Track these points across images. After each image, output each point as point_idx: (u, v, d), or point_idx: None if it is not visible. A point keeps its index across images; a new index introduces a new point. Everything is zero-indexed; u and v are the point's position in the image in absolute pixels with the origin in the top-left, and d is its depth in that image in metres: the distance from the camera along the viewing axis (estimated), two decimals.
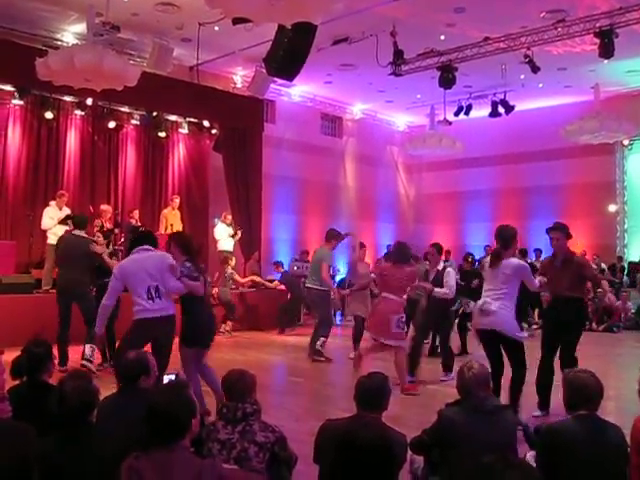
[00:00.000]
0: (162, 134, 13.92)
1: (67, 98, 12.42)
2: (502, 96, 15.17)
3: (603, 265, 15.46)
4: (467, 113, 15.56)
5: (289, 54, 10.54)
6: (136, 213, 12.08)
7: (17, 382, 3.70)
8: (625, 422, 3.36)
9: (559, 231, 6.22)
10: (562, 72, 14.25)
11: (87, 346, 7.49)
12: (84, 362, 7.25)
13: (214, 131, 14.57)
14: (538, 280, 6.46)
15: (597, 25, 11.22)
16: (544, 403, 6.08)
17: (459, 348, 9.43)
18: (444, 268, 7.90)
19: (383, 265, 7.38)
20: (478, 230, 17.36)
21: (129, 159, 13.82)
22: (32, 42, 11.45)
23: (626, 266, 16.04)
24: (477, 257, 12.51)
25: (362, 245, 9.77)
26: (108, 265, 7.50)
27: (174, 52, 12.24)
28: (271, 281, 13.45)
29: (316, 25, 9.29)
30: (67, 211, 10.52)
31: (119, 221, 11.82)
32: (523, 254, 13.37)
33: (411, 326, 8.16)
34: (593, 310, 13.01)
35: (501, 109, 15.16)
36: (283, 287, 12.91)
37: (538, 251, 14.64)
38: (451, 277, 7.82)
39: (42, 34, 11.91)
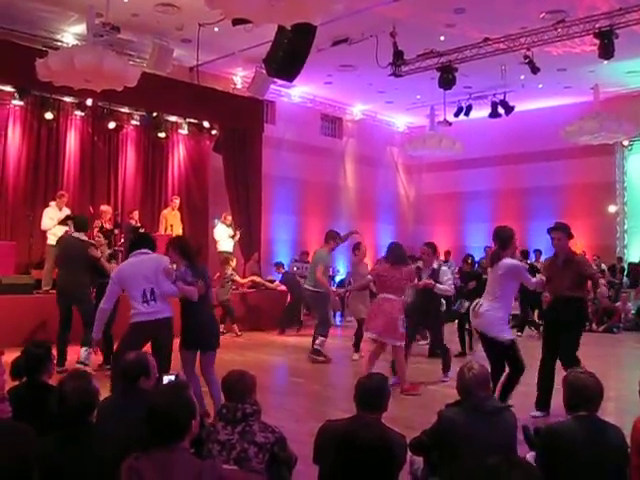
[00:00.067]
0: (162, 135, 13.91)
1: (67, 99, 12.42)
2: (502, 97, 15.17)
3: (603, 266, 15.46)
4: (467, 114, 15.56)
5: (289, 55, 10.54)
6: (136, 214, 12.08)
7: (17, 383, 3.70)
8: (625, 423, 3.36)
9: (560, 231, 6.23)
10: (562, 73, 14.25)
11: (83, 349, 7.49)
12: (78, 365, 7.23)
13: (214, 132, 14.57)
14: (538, 279, 6.48)
15: (597, 26, 11.23)
16: (544, 404, 6.07)
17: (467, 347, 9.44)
18: (439, 267, 7.94)
19: (381, 266, 7.36)
20: (478, 231, 17.35)
21: (129, 160, 13.82)
22: (32, 43, 11.45)
23: (626, 267, 16.03)
24: (477, 258, 12.49)
25: (360, 245, 9.76)
26: (106, 269, 7.50)
27: (174, 53, 12.25)
28: (271, 281, 13.46)
29: (316, 26, 9.29)
30: (67, 212, 10.52)
31: (119, 222, 11.82)
32: (524, 255, 13.38)
33: None
34: (593, 311, 13.00)
35: (501, 110, 15.16)
36: (284, 288, 12.91)
37: (538, 252, 14.63)
38: (448, 276, 7.91)
39: (42, 35, 11.92)
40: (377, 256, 16.42)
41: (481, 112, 15.68)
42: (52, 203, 10.77)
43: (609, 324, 13.34)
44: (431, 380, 7.72)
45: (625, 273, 15.83)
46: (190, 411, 2.76)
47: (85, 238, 8.05)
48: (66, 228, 9.23)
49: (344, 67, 14.34)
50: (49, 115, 12.18)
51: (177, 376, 3.99)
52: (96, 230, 9.96)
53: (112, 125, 13.17)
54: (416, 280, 7.49)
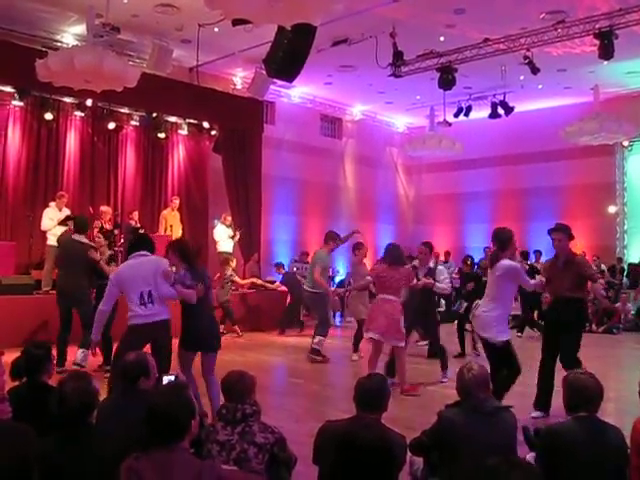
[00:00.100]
0: (162, 135, 13.91)
1: (67, 99, 12.42)
2: (502, 97, 15.18)
3: (603, 266, 15.45)
4: (467, 114, 15.56)
5: (289, 55, 10.54)
6: (136, 214, 12.09)
7: (17, 383, 3.70)
8: (625, 424, 3.36)
9: (561, 232, 6.22)
10: (562, 73, 14.25)
11: (80, 351, 7.46)
12: (74, 367, 7.19)
13: (214, 132, 14.56)
14: (538, 280, 6.48)
15: (597, 26, 11.23)
16: (544, 404, 6.07)
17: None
18: (435, 266, 8.04)
19: (379, 267, 7.36)
20: (477, 231, 17.36)
21: (129, 160, 13.81)
22: (32, 43, 11.45)
23: (626, 267, 16.03)
24: (477, 259, 12.49)
25: (363, 245, 9.75)
26: (105, 272, 7.48)
27: (174, 53, 12.24)
28: (271, 282, 13.45)
29: (316, 26, 9.27)
30: (67, 212, 10.52)
31: (119, 222, 11.82)
32: (525, 256, 13.39)
33: None
34: (593, 311, 13.00)
35: (501, 110, 15.16)
36: (284, 288, 12.91)
37: (538, 252, 14.63)
38: (444, 275, 7.98)
39: (42, 35, 11.92)
40: (377, 256, 16.44)
41: (481, 113, 15.68)
42: (52, 203, 10.76)
43: (609, 325, 13.34)
44: (430, 381, 7.72)
45: (625, 274, 15.83)
46: (190, 411, 2.76)
47: (85, 240, 8.02)
48: (66, 228, 9.24)
49: (344, 67, 14.34)
50: (49, 116, 12.18)
51: (177, 376, 3.99)
52: (96, 231, 9.95)
53: (112, 125, 13.17)
54: (415, 280, 7.49)
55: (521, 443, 3.73)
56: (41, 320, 9.07)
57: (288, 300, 12.82)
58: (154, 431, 2.66)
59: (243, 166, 14.43)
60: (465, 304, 9.85)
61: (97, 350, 6.13)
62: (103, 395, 3.47)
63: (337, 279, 16.43)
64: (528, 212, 17.44)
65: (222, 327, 11.13)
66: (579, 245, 14.17)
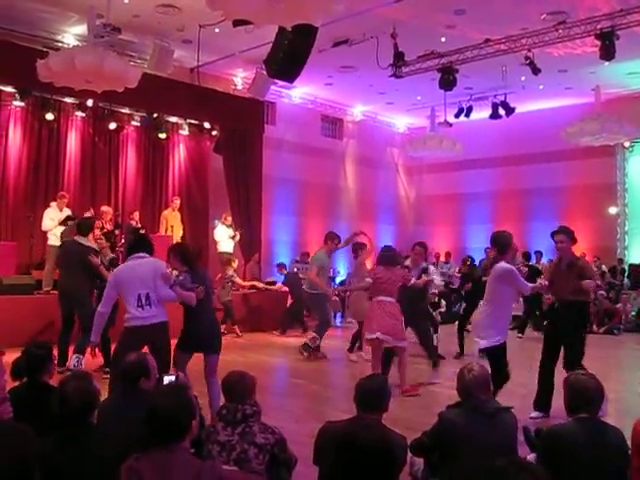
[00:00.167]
0: (162, 135, 13.92)
1: (68, 99, 12.43)
2: (503, 98, 15.16)
3: (604, 267, 15.44)
4: (467, 115, 15.55)
5: (289, 56, 10.54)
6: (136, 214, 12.10)
7: (17, 383, 3.70)
8: (625, 425, 3.36)
9: (564, 234, 6.19)
10: (563, 74, 14.25)
11: (74, 356, 7.38)
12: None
13: (214, 133, 14.58)
14: (538, 283, 6.48)
15: (598, 27, 11.22)
16: (543, 405, 6.06)
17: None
18: (427, 266, 8.24)
19: (376, 269, 7.34)
20: (478, 232, 17.33)
21: (129, 160, 13.82)
22: (33, 43, 11.46)
23: (626, 268, 16.02)
24: (478, 259, 12.50)
25: (365, 246, 9.73)
26: (105, 277, 7.41)
27: (175, 54, 12.23)
28: (272, 283, 13.46)
29: (316, 27, 9.27)
30: (68, 212, 10.52)
31: (119, 222, 11.83)
32: (526, 257, 13.38)
33: None
34: (594, 312, 13.00)
35: (502, 111, 15.14)
36: (286, 289, 12.92)
37: (538, 253, 14.63)
38: (436, 275, 8.29)
39: (43, 35, 11.93)
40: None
41: (482, 113, 15.67)
42: (53, 204, 10.77)
43: (610, 325, 13.34)
44: (431, 381, 7.72)
45: (626, 274, 15.82)
46: (190, 411, 2.76)
47: (87, 243, 7.96)
48: (69, 226, 9.22)
49: (345, 68, 14.34)
50: (50, 116, 12.19)
51: (177, 377, 3.99)
52: (97, 231, 9.93)
53: (113, 126, 13.18)
54: (413, 279, 7.50)
55: (522, 444, 3.73)
56: (42, 320, 9.07)
57: (290, 301, 12.82)
58: (154, 431, 2.66)
59: (244, 166, 14.43)
60: (464, 304, 9.87)
61: (97, 351, 6.12)
62: (104, 396, 3.46)
63: (338, 279, 16.42)
64: (529, 213, 17.43)
65: (223, 327, 11.17)
66: (580, 246, 14.14)
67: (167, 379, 3.85)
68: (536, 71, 12.43)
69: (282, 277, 13.46)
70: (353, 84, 15.54)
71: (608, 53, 11.14)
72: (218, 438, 3.25)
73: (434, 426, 3.50)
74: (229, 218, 13.25)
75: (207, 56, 12.85)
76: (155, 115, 13.66)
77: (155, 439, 2.65)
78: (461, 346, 9.68)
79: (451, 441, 3.34)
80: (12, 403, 3.22)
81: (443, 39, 12.49)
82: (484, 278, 7.40)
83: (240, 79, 15.09)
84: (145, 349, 4.95)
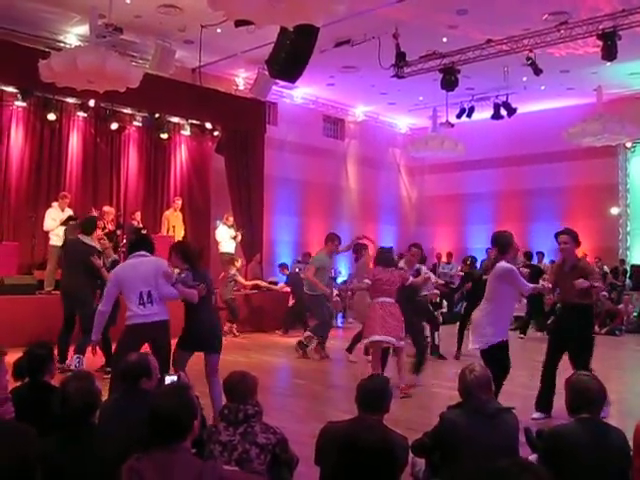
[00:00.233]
0: (164, 136, 13.92)
1: (70, 100, 12.44)
2: (504, 98, 15.16)
3: (605, 268, 15.43)
4: (469, 115, 15.54)
5: (291, 56, 10.54)
6: (138, 215, 12.11)
7: (19, 383, 3.70)
8: (627, 425, 3.35)
9: (568, 236, 6.18)
10: (565, 74, 14.24)
11: (75, 356, 7.37)
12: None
13: (216, 133, 14.58)
14: (540, 284, 6.47)
15: (600, 27, 11.21)
16: (545, 406, 6.05)
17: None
18: (419, 268, 8.38)
19: (375, 270, 7.33)
20: (480, 232, 17.32)
21: (131, 161, 13.83)
22: (35, 44, 11.47)
23: (628, 269, 16.00)
24: (480, 259, 12.48)
25: (366, 247, 9.74)
26: (105, 279, 7.39)
27: (176, 54, 12.25)
28: (274, 284, 13.47)
29: (318, 27, 9.28)
30: (69, 212, 10.53)
31: (121, 223, 11.83)
32: (528, 257, 13.37)
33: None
34: (596, 313, 12.98)
35: (503, 111, 15.15)
36: (288, 289, 12.93)
37: (540, 254, 14.62)
38: (430, 274, 8.60)
39: (45, 36, 11.95)
40: None
41: (483, 114, 15.67)
42: (54, 204, 10.78)
43: (611, 326, 13.32)
44: (431, 381, 7.71)
45: (628, 275, 15.80)
46: (192, 412, 2.76)
47: (91, 243, 7.94)
48: (72, 225, 9.21)
49: (346, 68, 14.34)
50: (52, 116, 12.20)
51: (179, 377, 3.99)
52: (99, 231, 9.92)
53: (114, 126, 13.19)
54: (411, 278, 7.51)
55: (523, 445, 3.73)
56: (44, 320, 9.04)
57: (292, 301, 12.82)
58: (156, 431, 2.66)
59: (245, 167, 14.44)
60: (465, 304, 9.88)
61: (97, 350, 6.12)
62: (105, 396, 3.47)
63: (340, 280, 16.40)
64: (531, 213, 17.42)
65: (228, 326, 11.30)
66: (582, 247, 14.08)
67: (169, 379, 3.85)
68: (538, 71, 12.42)
69: (284, 277, 13.47)
70: (355, 84, 15.54)
71: (610, 53, 11.13)
72: (220, 438, 3.25)
73: (435, 427, 3.49)
74: (231, 218, 13.26)
75: (209, 56, 12.84)
76: (157, 115, 13.66)
77: (156, 439, 2.65)
78: (459, 345, 9.65)
79: (452, 442, 3.33)
80: (14, 403, 3.23)
81: (445, 39, 12.49)
82: (484, 277, 7.40)
83: (242, 79, 15.10)
84: (145, 348, 4.96)
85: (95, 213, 10.60)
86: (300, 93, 16.60)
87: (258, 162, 14.78)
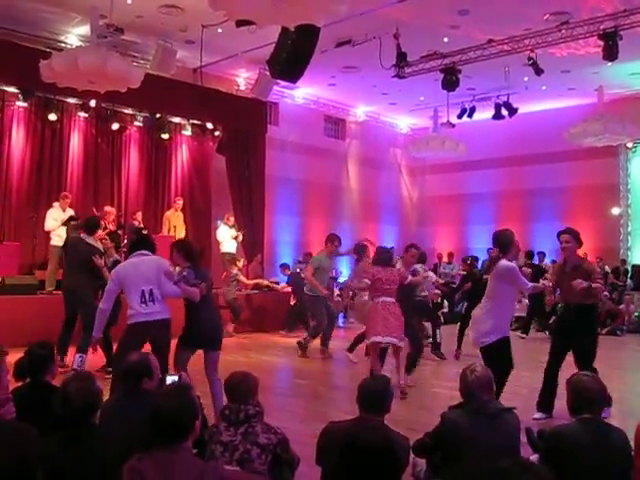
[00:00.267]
0: (165, 136, 13.93)
1: (71, 100, 12.45)
2: (505, 98, 15.17)
3: (607, 268, 15.42)
4: (470, 115, 15.54)
5: (292, 56, 10.54)
6: (139, 215, 12.11)
7: (20, 383, 3.70)
8: (628, 426, 3.35)
9: (570, 235, 6.17)
10: (566, 74, 14.24)
11: (77, 355, 7.33)
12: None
13: (217, 133, 14.58)
14: (541, 284, 6.47)
15: (601, 27, 11.21)
16: (547, 406, 6.04)
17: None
18: (415, 268, 8.41)
19: (374, 270, 7.31)
20: (481, 233, 17.31)
21: (132, 161, 13.84)
22: (36, 44, 11.49)
23: (629, 269, 16.00)
24: (481, 260, 12.47)
25: (366, 247, 9.74)
26: (106, 279, 7.37)
27: (177, 54, 12.25)
28: (276, 283, 13.47)
29: (319, 27, 9.29)
30: (70, 212, 10.52)
31: (122, 223, 11.83)
32: (529, 256, 13.36)
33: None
34: (597, 313, 12.98)
35: (504, 111, 15.15)
36: (289, 289, 12.93)
37: (541, 254, 14.60)
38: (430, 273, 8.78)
39: (45, 36, 11.95)
40: None
41: (484, 114, 15.66)
42: (55, 204, 10.77)
43: (613, 326, 13.31)
44: (432, 381, 7.71)
45: (629, 275, 15.80)
46: (193, 412, 2.76)
47: (93, 242, 7.93)
48: (74, 225, 9.21)
49: (347, 68, 14.34)
50: (53, 116, 12.21)
51: (180, 377, 3.99)
52: (101, 231, 9.90)
53: (115, 126, 13.20)
54: (410, 277, 7.52)
55: (524, 445, 3.72)
56: (45, 320, 9.04)
57: (293, 301, 12.83)
58: (157, 432, 2.66)
59: (246, 167, 14.45)
60: (466, 304, 9.88)
61: (98, 348, 6.12)
62: (106, 396, 3.47)
63: (341, 280, 16.38)
64: (532, 213, 17.42)
65: (233, 327, 11.30)
66: (583, 247, 14.08)
67: (170, 379, 3.85)
68: (539, 71, 12.42)
69: (285, 277, 13.47)
70: (356, 84, 15.54)
71: (611, 53, 11.13)
72: (221, 438, 3.25)
73: (436, 427, 3.49)
74: (232, 218, 13.25)
75: (210, 56, 12.85)
76: (158, 115, 13.67)
77: (158, 439, 2.65)
78: (459, 343, 9.62)
79: (453, 442, 3.33)
80: (15, 403, 3.23)
81: (446, 39, 12.49)
82: (485, 276, 7.40)
83: (243, 79, 15.10)
84: (146, 348, 4.96)
85: (97, 213, 10.60)
86: (301, 93, 16.60)
87: (259, 162, 14.79)
